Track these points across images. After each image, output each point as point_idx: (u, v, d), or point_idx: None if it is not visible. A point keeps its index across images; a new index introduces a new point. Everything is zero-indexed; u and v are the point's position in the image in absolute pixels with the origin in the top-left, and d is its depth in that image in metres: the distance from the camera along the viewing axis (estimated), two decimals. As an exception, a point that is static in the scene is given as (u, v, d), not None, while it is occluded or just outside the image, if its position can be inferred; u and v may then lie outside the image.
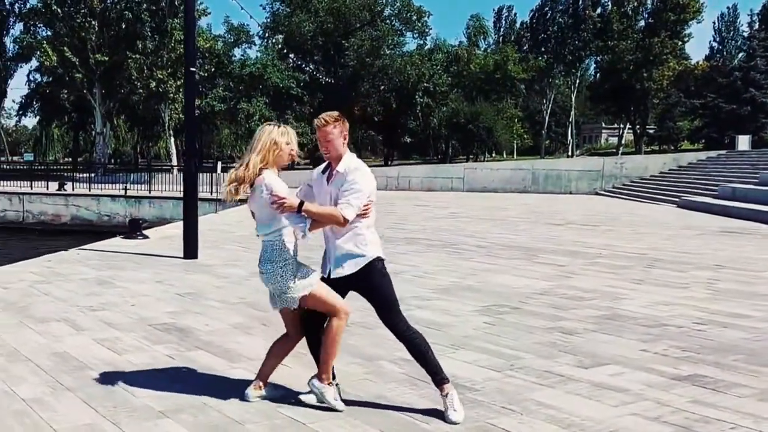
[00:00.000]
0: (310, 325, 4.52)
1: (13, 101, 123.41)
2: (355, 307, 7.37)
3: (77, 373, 5.10)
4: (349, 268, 4.37)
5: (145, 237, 13.47)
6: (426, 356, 4.44)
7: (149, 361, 5.41)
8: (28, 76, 61.36)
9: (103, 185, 31.50)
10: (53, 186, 31.03)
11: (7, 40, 54.92)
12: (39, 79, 60.15)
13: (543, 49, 66.10)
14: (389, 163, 60.89)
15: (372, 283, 4.40)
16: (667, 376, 5.20)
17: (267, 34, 58.93)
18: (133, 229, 13.71)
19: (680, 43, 59.97)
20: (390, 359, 5.52)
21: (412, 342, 4.45)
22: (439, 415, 4.34)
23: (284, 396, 4.60)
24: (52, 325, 6.55)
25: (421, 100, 56.22)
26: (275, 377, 4.68)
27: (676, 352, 5.89)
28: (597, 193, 33.68)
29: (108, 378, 4.98)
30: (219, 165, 33.47)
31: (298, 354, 5.36)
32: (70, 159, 73.10)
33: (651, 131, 69.35)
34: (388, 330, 4.49)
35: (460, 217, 20.18)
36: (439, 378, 4.39)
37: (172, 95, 43.71)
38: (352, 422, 4.21)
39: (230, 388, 4.70)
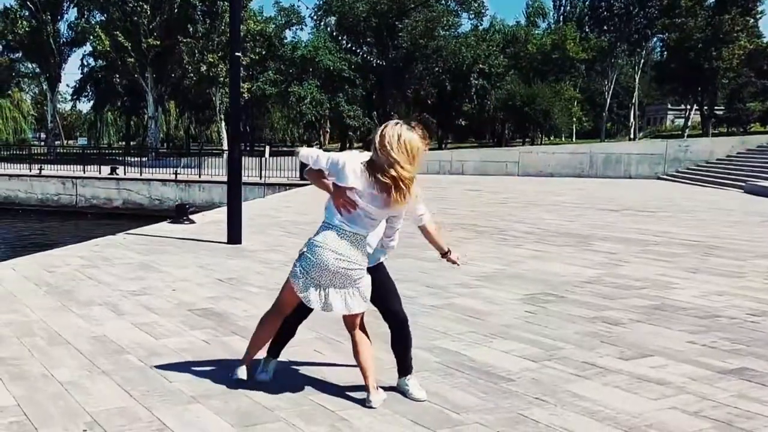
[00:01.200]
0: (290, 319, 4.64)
1: (67, 86, 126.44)
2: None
3: (114, 356, 5.27)
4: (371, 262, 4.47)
5: (192, 222, 13.74)
6: (410, 348, 4.61)
7: (185, 346, 5.55)
8: (81, 60, 62.87)
9: (154, 169, 32.23)
10: (105, 170, 31.86)
11: (62, 25, 56.33)
12: (92, 64, 61.65)
13: (605, 27, 64.77)
14: (443, 146, 60.74)
15: (384, 272, 4.56)
16: (713, 369, 5.12)
17: (318, 16, 59.15)
18: (180, 213, 13.99)
19: (752, 20, 58.14)
20: (425, 347, 5.55)
21: (408, 331, 4.59)
22: (471, 404, 4.38)
23: (315, 383, 4.69)
24: (94, 309, 6.76)
25: (476, 82, 55.86)
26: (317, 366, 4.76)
27: (726, 344, 5.78)
28: (659, 178, 33.04)
29: (143, 362, 5.14)
30: (268, 149, 33.83)
31: (333, 341, 5.47)
32: (124, 143, 74.85)
33: (719, 113, 67.54)
34: (391, 316, 4.54)
35: (513, 202, 20.05)
36: (410, 368, 4.60)
37: (222, 79, 44.29)
38: (382, 411, 4.26)
39: (263, 373, 4.80)
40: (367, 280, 4.28)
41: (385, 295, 4.49)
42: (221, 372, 4.87)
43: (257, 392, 4.52)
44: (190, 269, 8.96)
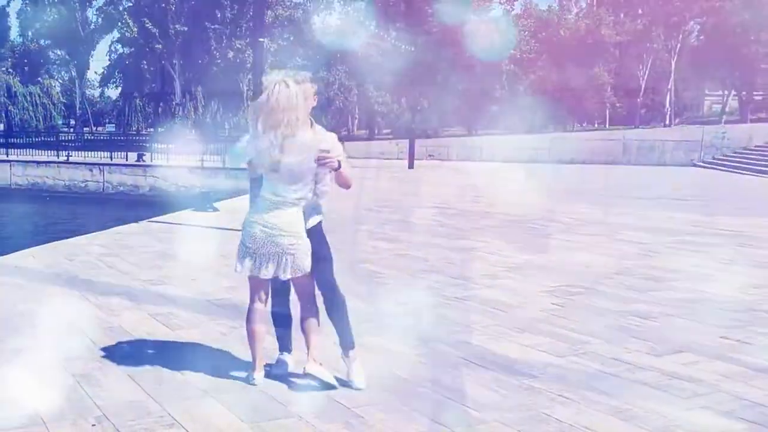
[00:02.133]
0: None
1: (96, 72, 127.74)
2: (421, 287, 7.34)
3: (128, 348, 5.22)
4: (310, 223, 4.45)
5: (216, 209, 13.73)
6: (347, 316, 4.56)
7: (201, 338, 5.48)
8: (110, 47, 63.37)
9: (181, 156, 32.36)
10: (132, 157, 32.07)
11: (90, 12, 56.75)
12: (120, 51, 62.08)
13: (641, 11, 63.73)
14: (474, 133, 60.31)
15: (318, 237, 4.47)
16: (748, 367, 4.94)
17: (347, 1, 58.88)
18: (204, 201, 13.99)
19: (792, 2, 56.79)
20: (446, 341, 5.43)
21: (340, 297, 4.55)
22: (492, 401, 4.25)
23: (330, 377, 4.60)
24: (112, 299, 6.72)
25: (507, 67, 55.31)
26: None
27: (762, 340, 5.59)
28: (695, 165, 32.50)
29: (157, 354, 5.08)
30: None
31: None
32: (152, 129, 75.35)
33: (758, 98, 66.19)
34: (321, 284, 4.51)
35: (542, 190, 19.79)
36: (352, 343, 4.56)
37: (249, 65, 44.32)
38: (399, 408, 4.15)
39: (278, 368, 4.72)
40: (302, 247, 4.30)
41: (315, 263, 4.40)
42: (236, 365, 4.79)
43: (271, 387, 4.43)
44: (211, 258, 8.90)
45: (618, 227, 12.09)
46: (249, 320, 4.51)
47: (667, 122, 64.90)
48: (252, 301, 4.53)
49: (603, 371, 4.82)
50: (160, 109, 75.95)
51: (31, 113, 69.87)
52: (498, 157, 35.32)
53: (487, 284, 7.53)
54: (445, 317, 6.15)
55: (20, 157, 33.66)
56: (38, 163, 32.85)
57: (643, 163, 33.46)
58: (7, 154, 34.16)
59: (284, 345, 4.74)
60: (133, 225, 11.86)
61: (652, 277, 7.93)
